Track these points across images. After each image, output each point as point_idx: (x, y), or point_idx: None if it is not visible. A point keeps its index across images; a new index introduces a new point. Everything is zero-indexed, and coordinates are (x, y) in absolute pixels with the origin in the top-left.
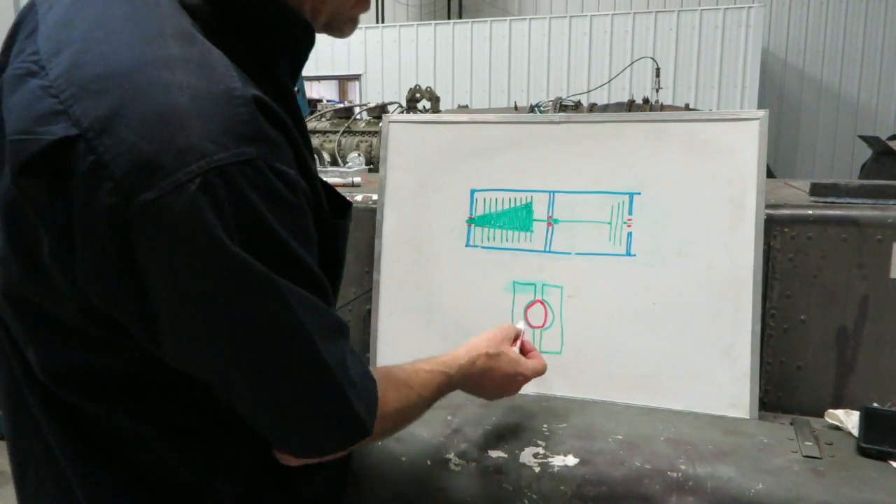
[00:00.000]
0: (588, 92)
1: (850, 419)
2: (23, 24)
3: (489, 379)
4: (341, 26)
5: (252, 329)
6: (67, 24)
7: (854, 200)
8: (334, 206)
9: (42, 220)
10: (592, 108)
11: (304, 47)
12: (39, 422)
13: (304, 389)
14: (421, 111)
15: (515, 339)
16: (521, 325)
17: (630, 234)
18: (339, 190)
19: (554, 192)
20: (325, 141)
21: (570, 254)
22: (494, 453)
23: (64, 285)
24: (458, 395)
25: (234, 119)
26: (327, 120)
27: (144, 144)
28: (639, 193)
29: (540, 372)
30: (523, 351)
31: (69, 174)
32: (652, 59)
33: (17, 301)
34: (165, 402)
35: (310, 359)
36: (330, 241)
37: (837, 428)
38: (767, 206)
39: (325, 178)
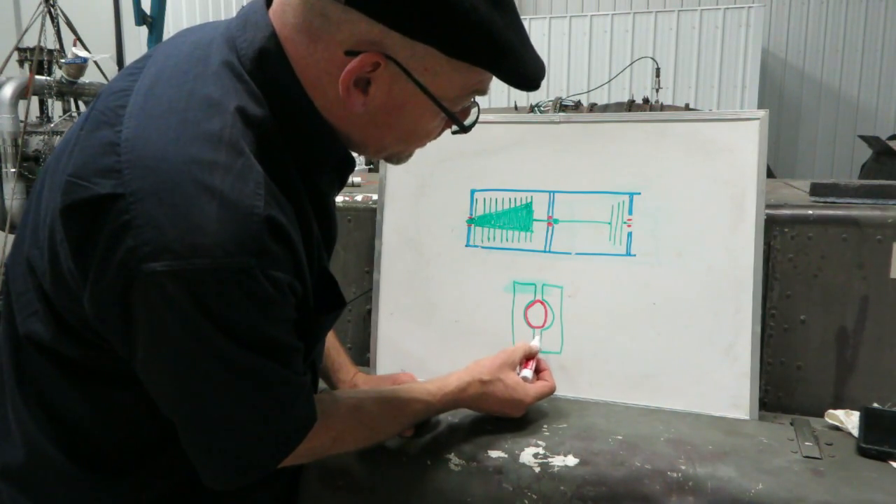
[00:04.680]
0: (588, 92)
1: (850, 419)
2: (141, 59)
3: (485, 403)
4: (396, 160)
5: (201, 389)
6: (154, 95)
7: (854, 200)
8: (328, 301)
9: (70, 248)
10: (592, 108)
11: (345, 172)
12: (2, 359)
13: (223, 444)
14: None
15: (528, 360)
16: (535, 341)
17: (630, 234)
18: (343, 199)
19: (554, 192)
20: None
21: (570, 254)
22: (494, 453)
23: (73, 294)
24: None
25: (245, 233)
26: None
27: (168, 227)
28: (639, 193)
29: (543, 396)
30: (537, 370)
31: (103, 223)
32: (652, 59)
33: (36, 276)
34: (116, 394)
35: (237, 427)
36: (307, 329)
37: (837, 428)
38: (767, 206)
39: None
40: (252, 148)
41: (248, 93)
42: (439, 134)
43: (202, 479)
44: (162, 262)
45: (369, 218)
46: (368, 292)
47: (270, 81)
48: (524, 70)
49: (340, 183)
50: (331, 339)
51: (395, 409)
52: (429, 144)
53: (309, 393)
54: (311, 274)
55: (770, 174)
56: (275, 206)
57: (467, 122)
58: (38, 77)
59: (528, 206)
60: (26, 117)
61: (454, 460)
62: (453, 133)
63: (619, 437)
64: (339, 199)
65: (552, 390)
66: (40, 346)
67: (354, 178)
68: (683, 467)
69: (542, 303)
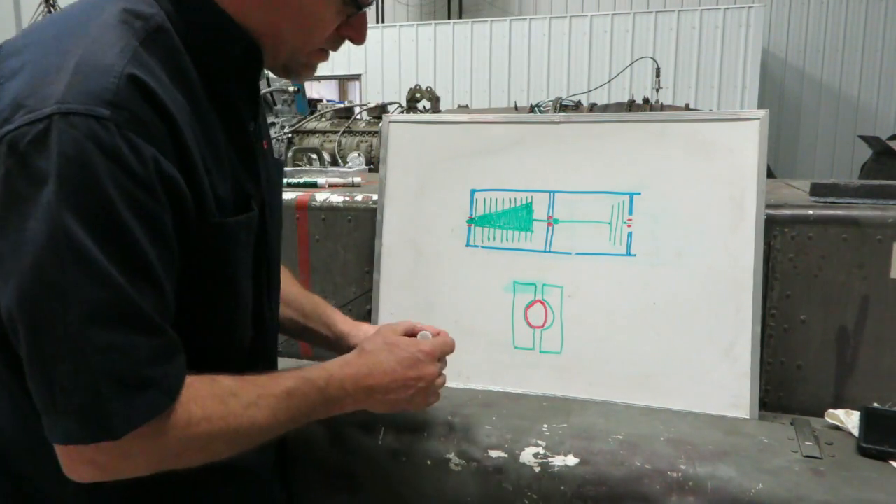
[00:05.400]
0: (588, 92)
1: (850, 419)
2: None
3: (375, 373)
4: (298, 69)
5: (34, 272)
6: (37, 24)
7: (854, 200)
8: (234, 207)
9: None
10: (592, 108)
11: (252, 66)
12: None
13: (57, 364)
14: (421, 111)
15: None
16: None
17: (630, 234)
18: (340, 190)
19: (554, 192)
20: (325, 141)
21: (570, 254)
22: (494, 453)
23: None
24: (458, 395)
25: (103, 86)
26: (327, 120)
27: (24, 90)
28: (639, 193)
29: (440, 350)
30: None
31: None
32: (652, 59)
33: None
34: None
35: (70, 335)
36: (212, 243)
37: (838, 428)
38: (767, 206)
39: (325, 179)
40: (139, 36)
41: None
42: (336, 34)
43: (45, 430)
44: (14, 122)
45: (369, 218)
46: (368, 292)
47: None
48: None
49: (252, 96)
50: (321, 304)
51: (259, 385)
52: (428, 144)
53: (178, 350)
54: (221, 181)
55: (770, 174)
56: (146, 73)
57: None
58: None
59: (528, 206)
60: None
61: (454, 460)
62: (348, 16)
63: (619, 437)
64: (339, 199)
65: (451, 345)
66: None
67: (354, 178)
68: (683, 467)
69: (542, 303)
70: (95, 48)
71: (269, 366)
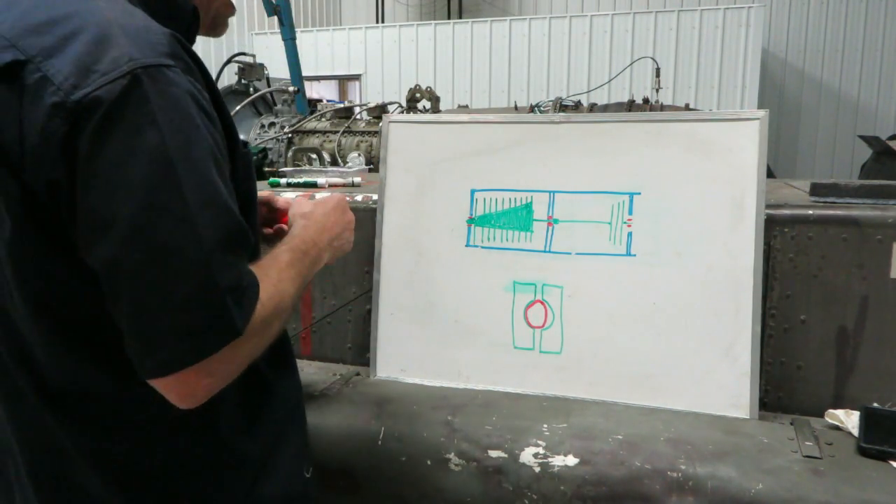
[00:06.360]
0: (588, 92)
1: (850, 419)
2: None
3: (331, 224)
4: (223, 22)
5: (151, 209)
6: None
7: (854, 200)
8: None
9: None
10: (592, 108)
11: (195, 27)
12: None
13: (180, 287)
14: (421, 111)
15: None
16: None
17: (630, 234)
18: (340, 190)
19: (554, 192)
20: (325, 141)
21: (570, 254)
22: (494, 453)
23: (14, 186)
24: (458, 395)
25: (155, 42)
26: (327, 120)
27: (85, 57)
28: (639, 193)
29: (344, 195)
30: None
31: (19, 89)
32: (652, 59)
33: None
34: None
35: (199, 257)
36: (243, 171)
37: (837, 428)
38: (767, 206)
39: (325, 179)
40: (131, 5)
41: None
42: None
43: (140, 366)
44: (90, 85)
45: (369, 218)
46: (368, 292)
47: None
48: None
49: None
50: None
51: (268, 266)
52: (428, 144)
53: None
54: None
55: (770, 174)
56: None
57: None
58: None
59: (528, 206)
60: None
61: (454, 460)
62: None
63: (619, 437)
64: None
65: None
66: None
67: (354, 178)
68: (683, 467)
69: (542, 303)
70: (119, 15)
71: None
